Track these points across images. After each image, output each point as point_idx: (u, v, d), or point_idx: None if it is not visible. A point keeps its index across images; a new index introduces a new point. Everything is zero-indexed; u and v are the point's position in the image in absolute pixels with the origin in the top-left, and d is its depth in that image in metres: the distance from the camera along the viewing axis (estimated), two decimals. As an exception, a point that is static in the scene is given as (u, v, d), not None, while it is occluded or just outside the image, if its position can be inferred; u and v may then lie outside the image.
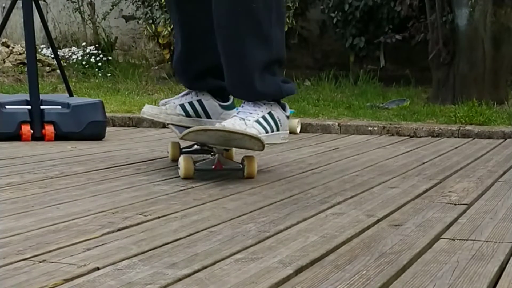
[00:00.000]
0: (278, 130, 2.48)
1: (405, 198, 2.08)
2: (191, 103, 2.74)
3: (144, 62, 7.75)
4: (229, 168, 2.46)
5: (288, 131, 2.58)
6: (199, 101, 2.75)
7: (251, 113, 2.45)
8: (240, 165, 2.43)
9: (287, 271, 1.29)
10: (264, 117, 2.45)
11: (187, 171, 2.36)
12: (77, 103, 3.61)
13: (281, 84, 2.51)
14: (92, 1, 8.14)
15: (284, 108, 2.54)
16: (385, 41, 6.30)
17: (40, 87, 3.98)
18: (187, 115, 2.75)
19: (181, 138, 2.43)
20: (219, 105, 2.76)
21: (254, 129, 2.38)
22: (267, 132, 2.44)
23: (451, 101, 5.26)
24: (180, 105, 2.75)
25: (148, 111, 2.78)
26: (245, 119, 2.41)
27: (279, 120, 2.49)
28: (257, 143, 2.32)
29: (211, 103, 2.76)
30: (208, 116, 2.76)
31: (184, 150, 2.74)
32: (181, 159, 2.39)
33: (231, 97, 2.78)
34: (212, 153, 2.55)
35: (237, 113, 2.46)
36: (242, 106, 2.49)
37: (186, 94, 2.77)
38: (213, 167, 2.41)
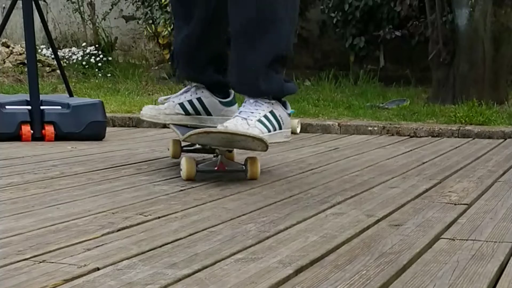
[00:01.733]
0: (280, 128, 2.46)
1: (405, 198, 2.08)
2: (190, 102, 2.69)
3: (144, 62, 7.75)
4: (232, 170, 2.44)
5: (290, 129, 2.56)
6: (199, 99, 2.70)
7: (252, 112, 2.42)
8: (243, 166, 2.42)
9: (287, 271, 1.29)
10: (266, 116, 2.42)
11: (189, 172, 2.34)
12: (77, 104, 3.61)
13: (283, 83, 2.50)
14: (92, 1, 8.14)
15: (285, 106, 2.52)
16: (384, 37, 6.30)
17: (40, 88, 3.98)
18: (187, 113, 2.70)
19: (183, 140, 2.42)
20: (220, 102, 2.70)
21: (256, 129, 2.35)
22: (269, 131, 2.41)
23: (451, 101, 5.26)
24: (179, 104, 2.70)
25: (147, 113, 2.74)
26: (247, 119, 2.38)
27: (281, 119, 2.46)
28: (260, 144, 2.31)
29: (211, 100, 2.70)
30: (208, 113, 2.71)
31: (184, 148, 2.72)
32: (183, 160, 2.36)
33: (232, 93, 2.72)
34: (214, 154, 2.52)
35: (239, 113, 2.43)
36: (244, 106, 2.45)
37: (185, 92, 2.72)
38: (216, 168, 2.40)
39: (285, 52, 2.45)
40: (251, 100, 2.45)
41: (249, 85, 2.45)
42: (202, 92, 2.71)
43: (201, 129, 2.36)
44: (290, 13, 2.43)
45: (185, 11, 2.65)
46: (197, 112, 2.71)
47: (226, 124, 2.35)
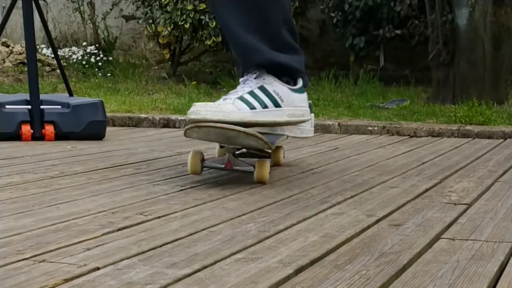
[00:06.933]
0: (277, 106, 2.20)
1: (405, 198, 2.08)
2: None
3: (144, 62, 7.75)
4: (240, 170, 2.31)
5: (300, 108, 2.27)
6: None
7: (237, 91, 2.18)
8: (252, 167, 2.26)
9: (287, 271, 1.29)
10: (251, 92, 2.17)
11: (194, 167, 2.27)
12: (77, 103, 3.61)
13: (272, 52, 2.20)
14: (92, 1, 8.14)
15: (294, 82, 2.24)
16: (384, 35, 6.30)
17: (40, 87, 3.98)
18: None
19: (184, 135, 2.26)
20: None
21: (230, 106, 2.11)
22: (253, 108, 2.16)
23: (451, 101, 5.26)
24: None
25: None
26: (226, 98, 2.15)
27: (277, 95, 2.20)
28: (255, 139, 2.12)
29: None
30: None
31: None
32: (190, 154, 2.28)
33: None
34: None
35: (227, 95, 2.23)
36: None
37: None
38: (223, 166, 2.27)
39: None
40: (241, 80, 2.25)
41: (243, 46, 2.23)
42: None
43: (194, 123, 2.16)
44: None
45: None
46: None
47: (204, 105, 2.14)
